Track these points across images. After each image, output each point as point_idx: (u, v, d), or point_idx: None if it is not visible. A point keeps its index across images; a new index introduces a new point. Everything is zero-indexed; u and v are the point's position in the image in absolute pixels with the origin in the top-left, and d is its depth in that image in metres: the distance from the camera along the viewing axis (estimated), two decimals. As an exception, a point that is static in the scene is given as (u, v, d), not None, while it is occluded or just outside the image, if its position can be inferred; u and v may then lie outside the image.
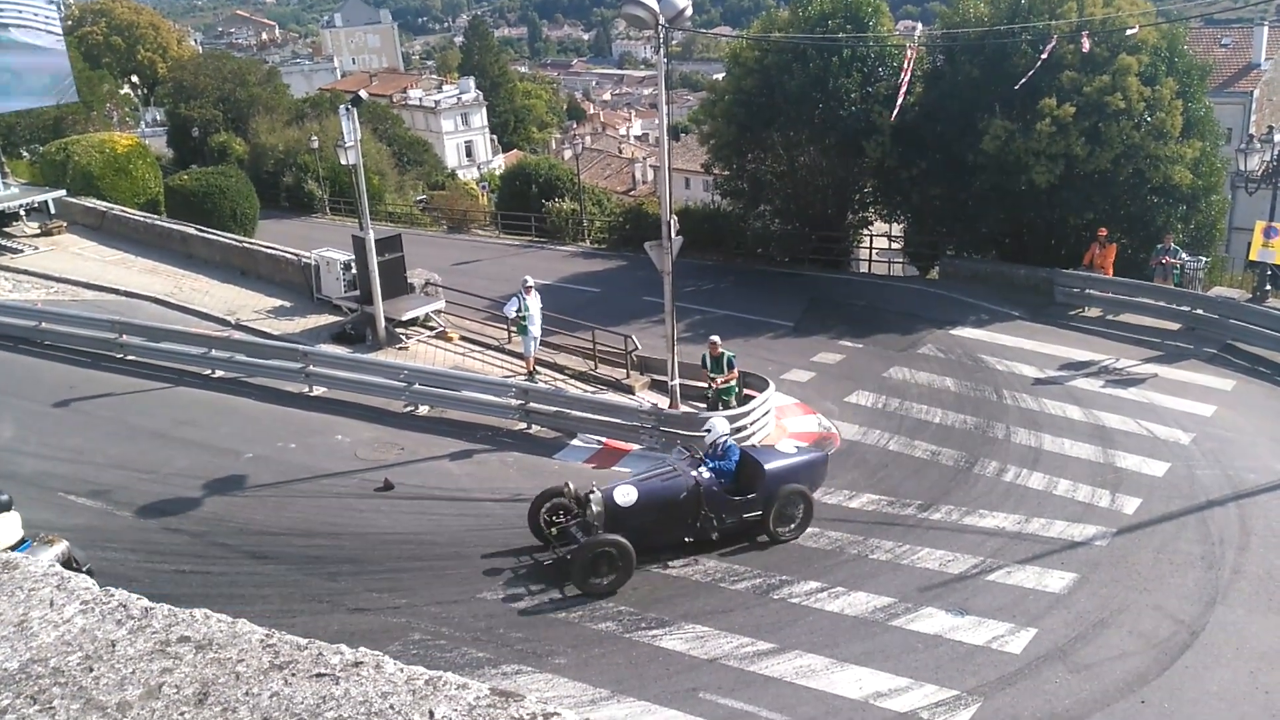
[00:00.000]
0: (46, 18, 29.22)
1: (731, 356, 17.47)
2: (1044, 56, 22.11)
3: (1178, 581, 11.84)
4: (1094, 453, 15.57)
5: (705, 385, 17.85)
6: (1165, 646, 10.49)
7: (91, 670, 1.66)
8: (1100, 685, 9.89)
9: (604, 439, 16.88)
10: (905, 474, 15.26)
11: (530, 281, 19.72)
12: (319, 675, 1.64)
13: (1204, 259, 23.37)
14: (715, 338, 17.67)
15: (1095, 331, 21.75)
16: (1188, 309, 21.40)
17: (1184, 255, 22.64)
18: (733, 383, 17.55)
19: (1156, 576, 11.96)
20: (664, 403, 17.83)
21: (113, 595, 1.96)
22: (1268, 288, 21.25)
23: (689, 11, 16.04)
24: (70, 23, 59.64)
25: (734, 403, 17.52)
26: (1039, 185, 24.13)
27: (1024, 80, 22.02)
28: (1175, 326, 21.37)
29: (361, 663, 1.68)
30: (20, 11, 28.27)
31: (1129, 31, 23.35)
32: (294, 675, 1.64)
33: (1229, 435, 16.09)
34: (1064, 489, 14.38)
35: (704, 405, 17.97)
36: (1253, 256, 21.66)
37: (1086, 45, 22.33)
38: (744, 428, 16.59)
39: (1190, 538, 12.87)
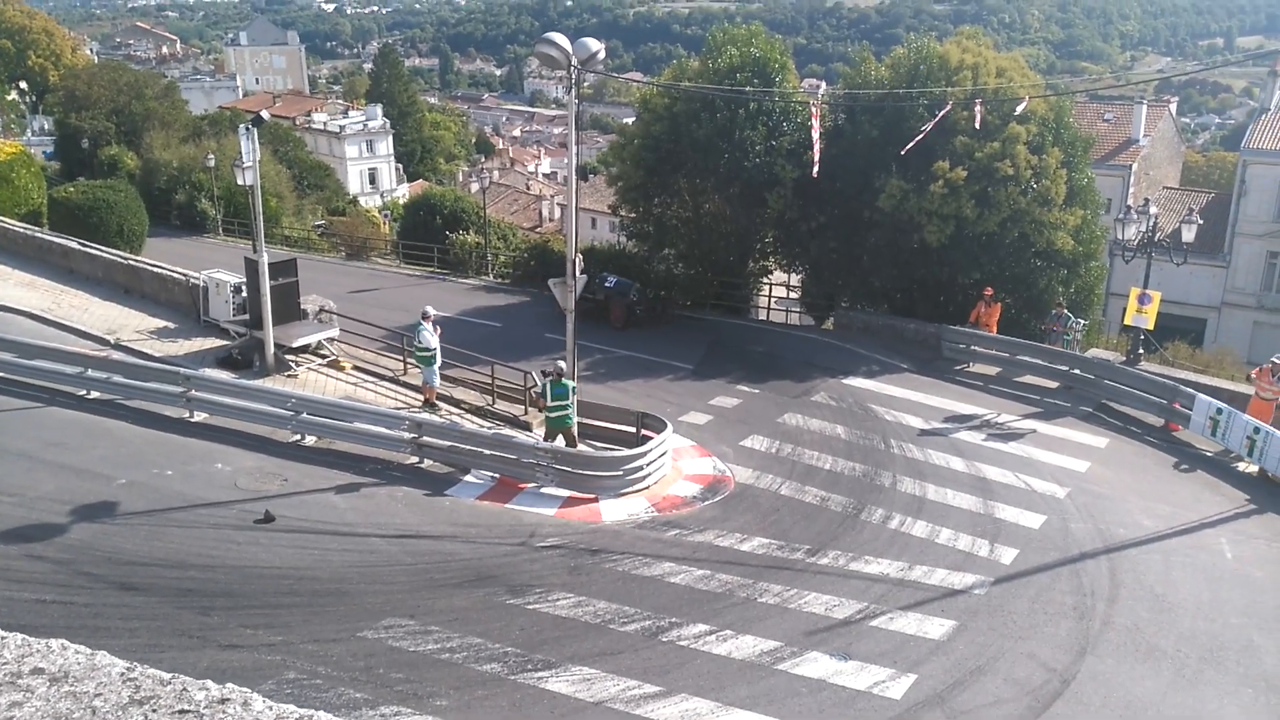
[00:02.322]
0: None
1: (574, 386, 17.23)
2: (929, 126, 22.89)
3: (1051, 631, 12.26)
4: (975, 503, 16.08)
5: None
6: (1038, 694, 10.82)
7: (-74, 704, 1.54)
8: (976, 731, 10.12)
9: (499, 475, 16.66)
10: (796, 519, 15.47)
11: (431, 311, 19.50)
12: (181, 712, 1.55)
13: (1083, 322, 24.57)
14: (560, 364, 17.31)
15: (979, 386, 22.57)
16: (1066, 368, 22.41)
17: (1075, 322, 23.73)
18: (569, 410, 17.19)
19: (1031, 625, 12.36)
20: (561, 441, 17.75)
21: None
22: (1140, 351, 22.42)
23: (601, 55, 16.28)
24: (-46, 22, 57.03)
25: (574, 431, 17.25)
26: (930, 244, 25.06)
27: (914, 144, 22.88)
28: (1054, 385, 22.34)
29: (228, 699, 1.59)
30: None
31: (1019, 109, 24.54)
32: (154, 712, 1.55)
33: (1102, 491, 16.83)
34: (946, 537, 14.78)
35: (600, 444, 17.96)
36: (1127, 321, 22.84)
37: (979, 114, 23.38)
38: (641, 468, 16.61)
39: (1063, 588, 13.37)
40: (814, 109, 24.49)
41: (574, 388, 17.23)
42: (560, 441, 16.96)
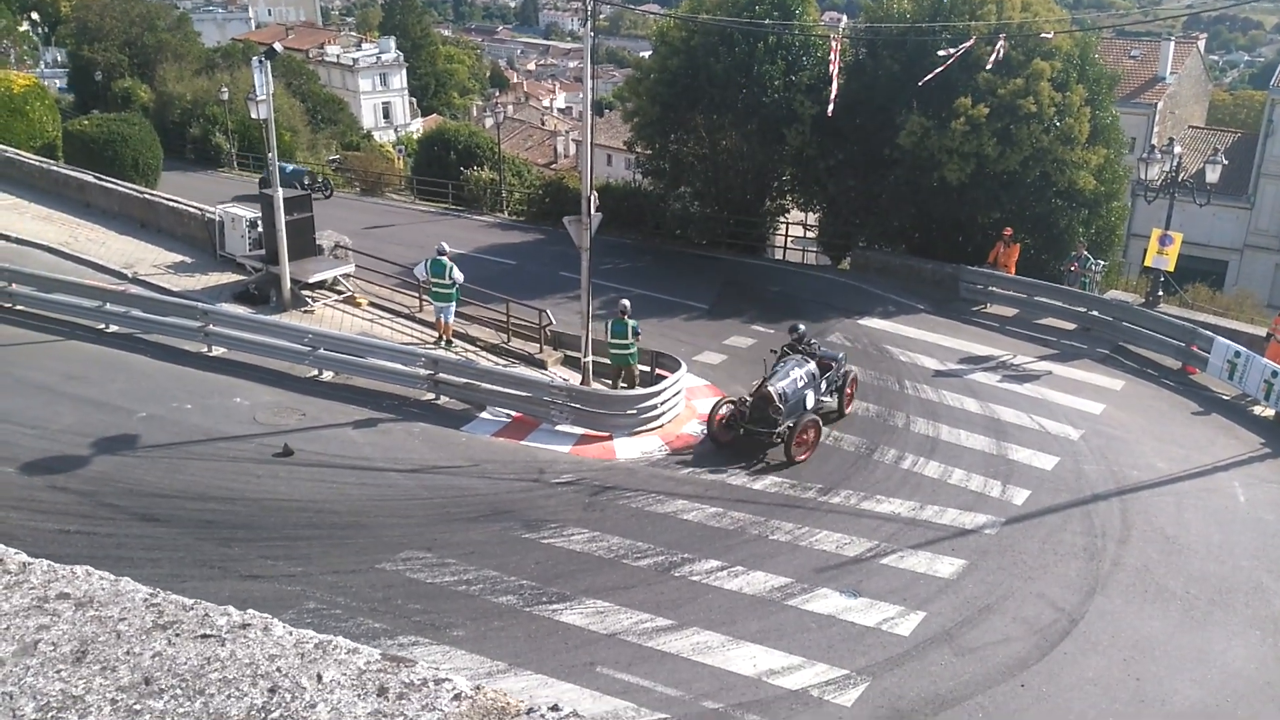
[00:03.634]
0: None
1: (636, 325, 17.49)
2: (951, 59, 22.42)
3: (1061, 571, 12.36)
4: (988, 444, 16.11)
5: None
6: (1046, 633, 10.95)
7: (-41, 626, 1.58)
8: (983, 668, 10.27)
9: (514, 413, 16.77)
10: (810, 456, 15.54)
11: (446, 248, 19.47)
12: (204, 636, 1.59)
13: (1102, 262, 24.30)
14: (625, 302, 17.68)
15: (995, 328, 22.45)
16: (1084, 310, 22.23)
17: (1094, 264, 23.46)
18: (631, 350, 17.61)
19: (1041, 566, 12.46)
20: (576, 379, 17.83)
21: None
22: (1160, 293, 22.22)
23: (618, -15, 15.95)
24: (-37, -51, 56.34)
25: (635, 370, 17.60)
26: (950, 183, 24.73)
27: (932, 76, 22.41)
28: (1071, 326, 22.19)
29: (249, 625, 1.63)
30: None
31: (1043, 35, 24.02)
32: (178, 636, 1.59)
33: (1116, 433, 16.81)
34: (958, 478, 14.84)
35: (609, 382, 18.07)
36: (1148, 263, 22.61)
37: (1002, 49, 22.89)
38: (655, 407, 16.69)
39: (1075, 530, 13.44)
40: (833, 44, 24.02)
41: (635, 326, 17.44)
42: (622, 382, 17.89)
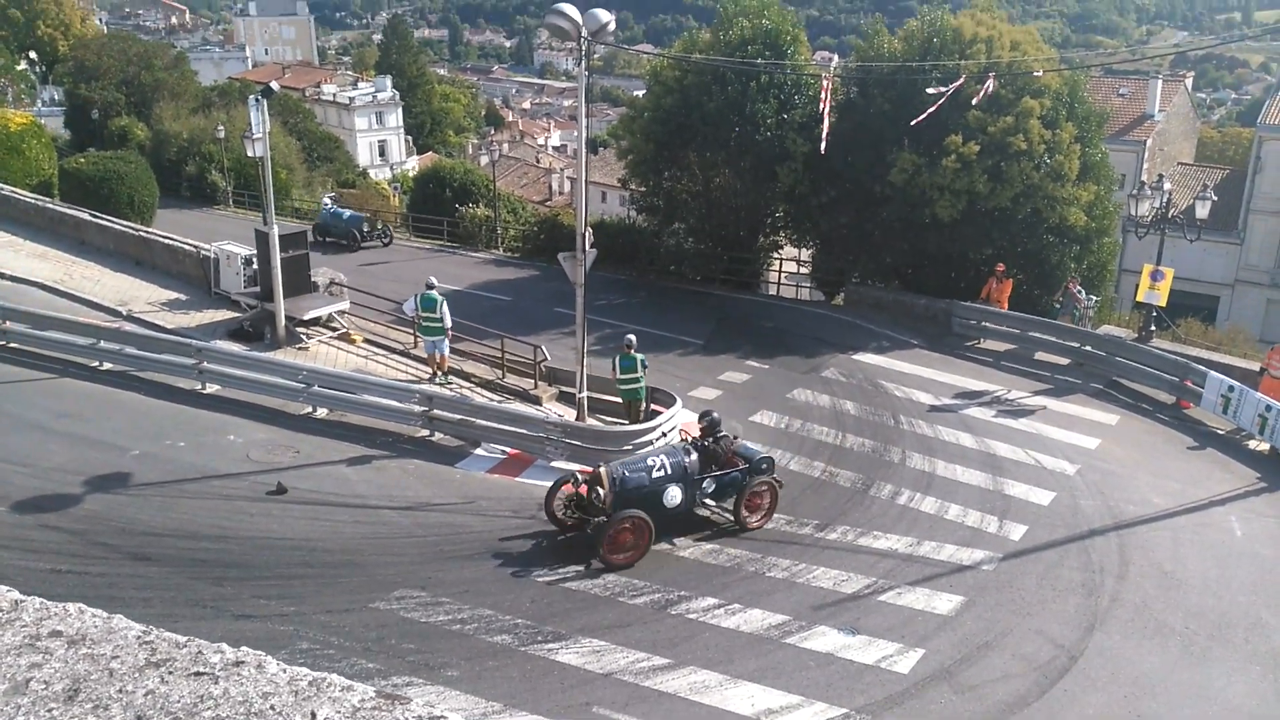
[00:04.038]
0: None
1: (644, 359, 17.52)
2: (942, 98, 22.65)
3: (1059, 607, 12.28)
4: (984, 480, 16.08)
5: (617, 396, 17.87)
6: (1046, 670, 10.86)
7: (-52, 665, 1.56)
8: (983, 706, 10.18)
9: (509, 449, 16.71)
10: (804, 493, 15.49)
11: (434, 282, 19.54)
12: (197, 674, 1.56)
13: (1095, 298, 24.44)
14: (631, 336, 17.68)
15: (989, 363, 22.51)
16: (1077, 345, 22.31)
17: (1087, 298, 23.57)
18: (641, 384, 17.55)
19: (1039, 601, 12.39)
20: (571, 415, 17.80)
21: None
22: (1152, 328, 22.31)
23: (611, 26, 16.13)
24: (-37, -8, 56.87)
25: (644, 405, 17.56)
26: (942, 219, 24.91)
27: (924, 116, 22.69)
28: (1065, 361, 22.26)
29: (242, 662, 1.61)
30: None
31: (1033, 74, 24.33)
32: (170, 673, 1.56)
33: (1111, 468, 16.80)
34: (955, 514, 14.80)
35: (610, 419, 18.04)
36: (1139, 298, 22.73)
37: (991, 87, 23.17)
38: (650, 443, 16.63)
39: (1072, 565, 13.38)
40: (825, 83, 24.27)
41: (643, 360, 17.41)
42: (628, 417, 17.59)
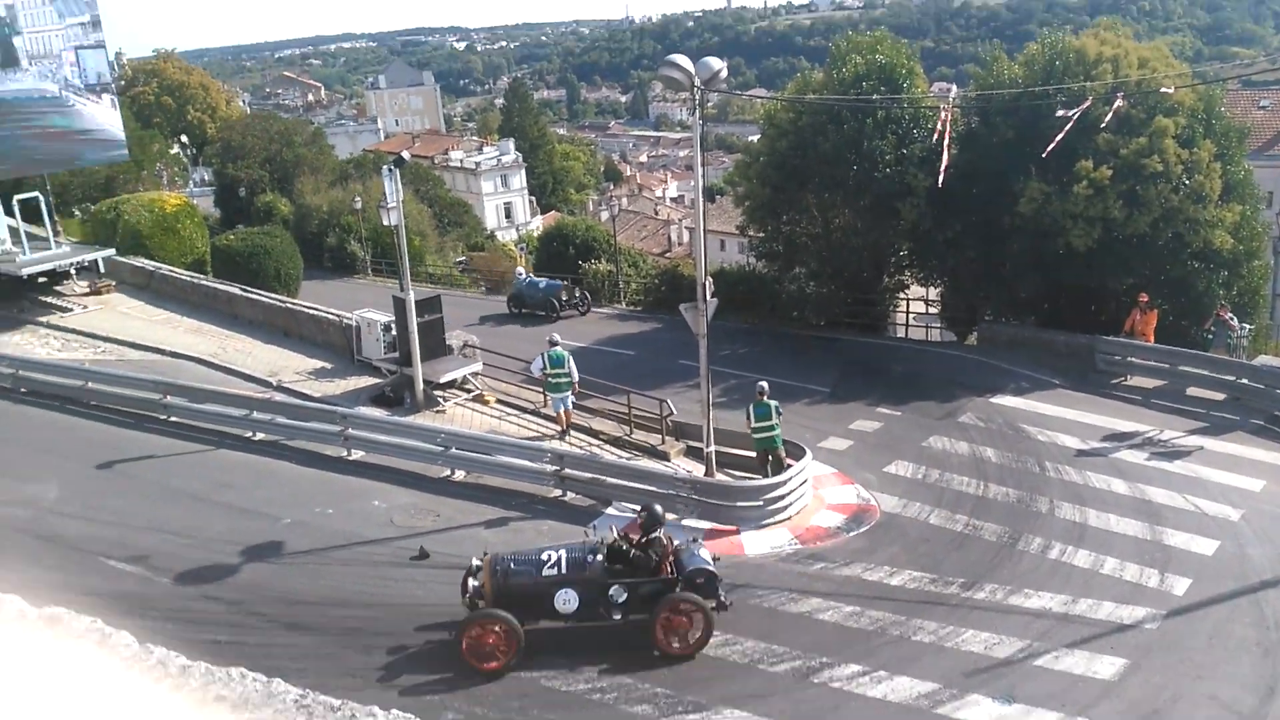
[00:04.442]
0: (101, 80, 30.13)
1: (778, 405, 17.32)
2: (1069, 124, 21.81)
3: (1233, 669, 11.46)
4: (1140, 529, 15.23)
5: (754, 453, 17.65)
6: (1222, 739, 10.12)
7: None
8: (1154, 780, 9.54)
9: (639, 508, 16.70)
10: (947, 549, 14.98)
11: (557, 338, 19.91)
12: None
13: (1248, 326, 22.99)
14: (763, 384, 17.52)
15: (1138, 401, 21.42)
16: (1233, 378, 21.00)
17: (1240, 327, 22.18)
18: (777, 431, 17.30)
19: (1210, 663, 11.59)
20: (700, 470, 17.73)
21: (152, 652, 1.95)
22: (1317, 357, 20.86)
23: (724, 73, 16.24)
24: (123, 83, 61.60)
25: (781, 453, 17.29)
26: (1077, 249, 23.97)
27: (1054, 144, 21.92)
28: (1220, 396, 20.97)
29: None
30: (78, 72, 29.21)
31: (1164, 91, 23.28)
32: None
33: (1280, 512, 15.68)
34: (1111, 567, 14.04)
35: (739, 473, 17.91)
36: (1300, 325, 21.30)
37: (1120, 106, 22.22)
38: (781, 497, 16.42)
39: (1244, 621, 12.49)
40: (943, 114, 23.77)
41: (777, 407, 17.26)
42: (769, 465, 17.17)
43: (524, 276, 34.57)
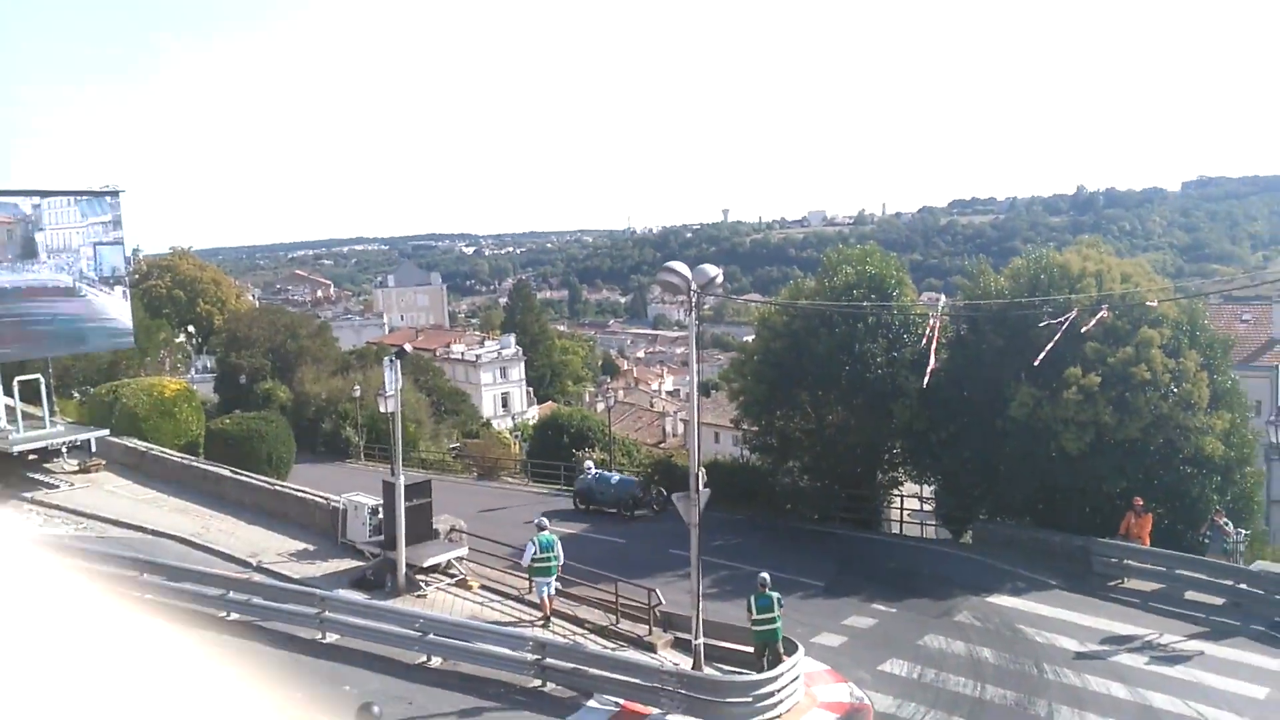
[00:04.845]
0: (115, 273, 31.14)
1: (779, 597, 16.83)
2: (1057, 335, 22.38)
3: None
4: (1145, 735, 14.56)
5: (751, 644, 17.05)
6: None
7: None
8: None
9: (622, 700, 16.04)
10: (943, 752, 14.26)
11: (545, 522, 19.70)
12: None
13: (1244, 531, 22.78)
14: (765, 575, 17.09)
15: (1136, 604, 20.97)
16: (1231, 583, 20.65)
17: (1236, 532, 21.96)
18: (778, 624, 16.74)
19: None
20: (688, 663, 17.11)
21: None
22: (1315, 563, 20.56)
23: (719, 279, 16.86)
24: (137, 276, 63.73)
25: (780, 647, 16.65)
26: (1070, 452, 24.12)
27: (1044, 355, 22.47)
28: (1219, 601, 20.55)
29: None
30: (94, 265, 30.22)
31: (1148, 304, 24.07)
32: None
33: (1290, 721, 15.03)
34: (1116, 775, 13.32)
35: (727, 668, 17.27)
36: (1295, 530, 21.13)
37: (1105, 317, 22.92)
38: (772, 694, 15.76)
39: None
40: (932, 322, 24.51)
41: (779, 599, 16.79)
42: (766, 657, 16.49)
43: (592, 470, 32.05)
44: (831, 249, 34.04)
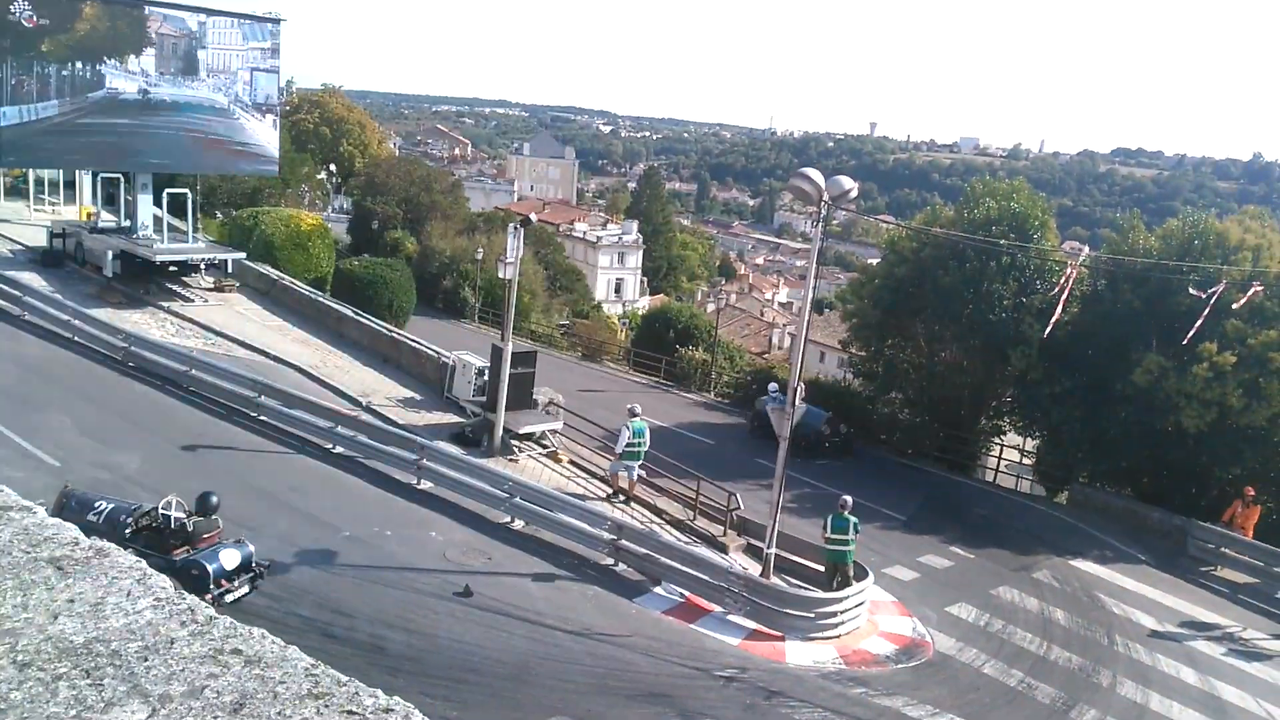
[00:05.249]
0: (269, 101, 32.15)
1: (857, 522, 16.99)
2: (1201, 298, 21.34)
3: None
4: (1206, 724, 14.34)
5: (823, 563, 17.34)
6: None
7: (146, 660, 1.76)
8: None
9: (688, 593, 16.53)
10: (996, 702, 14.36)
11: (638, 409, 20.08)
12: (349, 713, 1.68)
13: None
14: (847, 498, 17.28)
15: (1225, 594, 20.37)
16: (1334, 591, 19.81)
17: None
18: (851, 547, 16.94)
19: None
20: (756, 570, 17.46)
21: (184, 599, 2.08)
22: None
23: (854, 193, 16.44)
24: (288, 108, 65.46)
25: (849, 570, 16.90)
26: (1188, 429, 23.19)
27: (1194, 331, 21.44)
28: (1318, 607, 19.77)
29: (392, 710, 1.72)
30: (249, 91, 31.24)
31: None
32: (327, 707, 1.69)
33: (1366, 739, 14.57)
34: (1168, 756, 13.21)
35: (794, 581, 17.56)
36: None
37: (1256, 294, 21.65)
38: (835, 614, 16.02)
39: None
40: (1069, 271, 23.54)
41: (857, 524, 16.98)
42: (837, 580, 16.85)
43: (776, 392, 25.87)
44: (977, 179, 32.75)
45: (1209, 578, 21.19)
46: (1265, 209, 32.59)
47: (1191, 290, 21.95)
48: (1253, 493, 22.09)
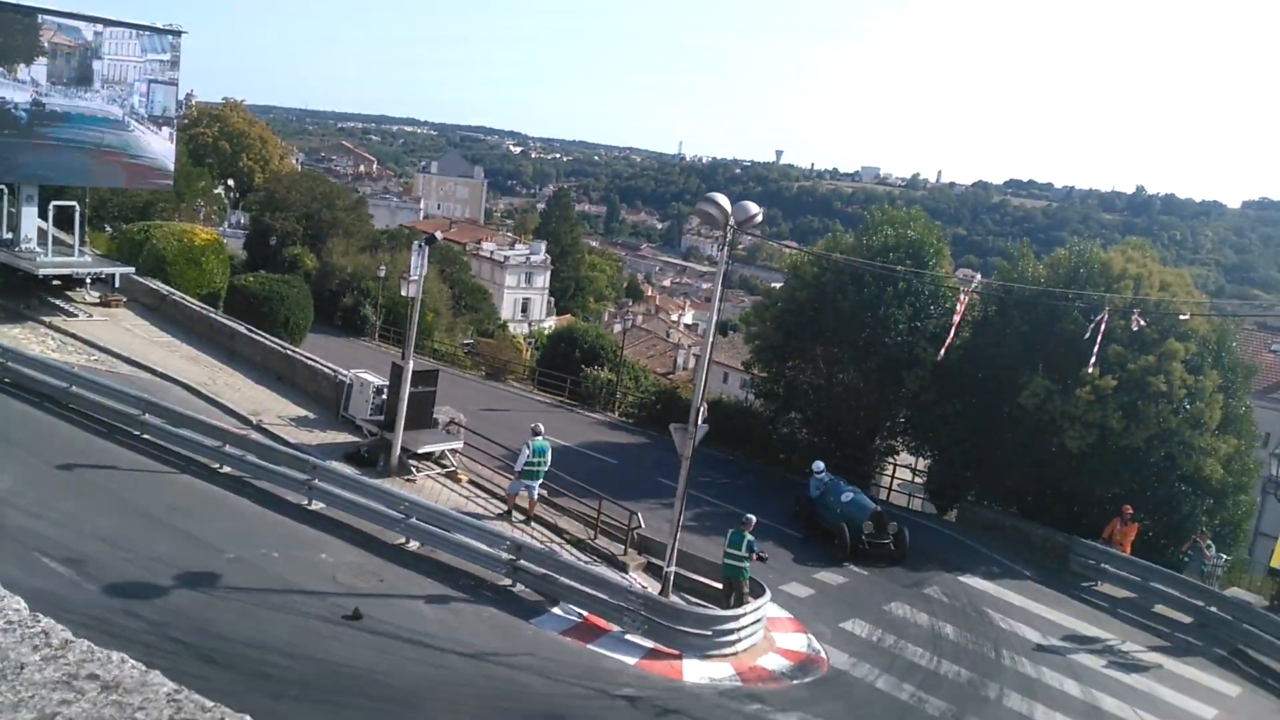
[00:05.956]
0: (165, 114, 31.10)
1: (753, 541, 17.11)
2: (1097, 322, 22.31)
3: None
4: (1086, 734, 14.82)
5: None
6: None
7: (-7, 685, 1.64)
8: None
9: (586, 613, 16.42)
10: (889, 717, 14.61)
11: (540, 428, 19.94)
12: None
13: (1225, 557, 22.84)
14: (750, 516, 17.42)
15: (1105, 608, 21.14)
16: (1202, 604, 20.74)
17: (1216, 556, 21.99)
18: (744, 565, 17.06)
19: None
20: (656, 588, 17.45)
21: (39, 621, 1.95)
22: (1289, 599, 20.60)
23: (759, 218, 16.67)
24: (187, 121, 63.60)
25: (745, 587, 17.01)
26: (1071, 450, 24.10)
27: (1093, 362, 22.37)
28: (1187, 619, 20.68)
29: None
30: (146, 103, 30.15)
31: (1180, 316, 23.79)
32: (190, 733, 1.60)
33: (1230, 745, 15.26)
34: (1048, 766, 13.61)
35: (694, 600, 17.60)
36: (1275, 564, 21.15)
37: (1137, 324, 22.70)
38: (732, 631, 16.10)
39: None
40: (961, 297, 24.36)
41: (753, 543, 17.04)
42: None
43: (822, 472, 23.75)
44: (877, 207, 33.63)
45: (1090, 593, 21.99)
46: (1146, 240, 34.32)
47: (1075, 328, 22.83)
48: (1130, 511, 23.05)
